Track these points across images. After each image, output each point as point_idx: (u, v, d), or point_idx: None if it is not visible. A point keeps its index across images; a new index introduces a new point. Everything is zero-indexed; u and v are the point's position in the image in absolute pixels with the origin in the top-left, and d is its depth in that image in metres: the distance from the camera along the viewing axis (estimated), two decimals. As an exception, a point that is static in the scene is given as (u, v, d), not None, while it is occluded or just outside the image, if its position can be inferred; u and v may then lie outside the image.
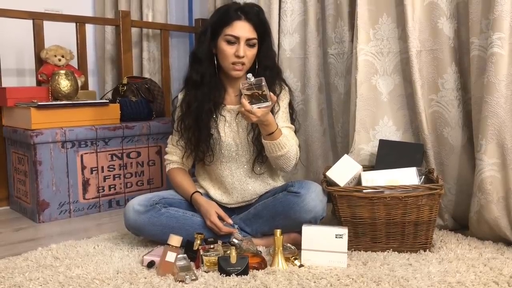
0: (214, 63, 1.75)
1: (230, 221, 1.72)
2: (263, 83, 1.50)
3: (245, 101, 1.52)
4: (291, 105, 1.84)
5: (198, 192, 1.79)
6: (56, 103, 2.26)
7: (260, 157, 1.77)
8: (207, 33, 1.73)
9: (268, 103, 1.52)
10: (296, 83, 2.34)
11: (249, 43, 1.70)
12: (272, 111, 1.68)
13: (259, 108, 1.52)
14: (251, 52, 1.72)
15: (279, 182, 1.86)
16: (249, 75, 1.52)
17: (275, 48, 2.24)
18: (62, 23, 2.65)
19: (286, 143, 1.65)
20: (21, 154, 2.27)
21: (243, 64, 1.71)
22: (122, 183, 2.42)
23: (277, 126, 1.63)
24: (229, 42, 1.69)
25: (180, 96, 1.85)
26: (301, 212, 1.63)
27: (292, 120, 1.83)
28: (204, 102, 1.75)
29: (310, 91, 2.29)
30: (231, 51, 1.69)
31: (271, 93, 1.54)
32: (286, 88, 1.84)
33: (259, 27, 1.73)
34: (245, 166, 1.79)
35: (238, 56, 1.69)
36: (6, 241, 1.91)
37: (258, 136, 1.74)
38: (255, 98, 1.52)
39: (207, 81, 1.75)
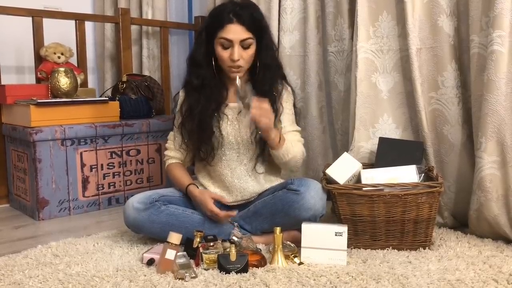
0: (212, 65, 1.74)
1: (225, 199, 1.74)
2: (247, 89, 1.54)
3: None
4: (294, 106, 1.83)
5: (194, 184, 1.79)
6: (55, 100, 2.25)
7: (262, 156, 1.77)
8: (203, 36, 1.72)
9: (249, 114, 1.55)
10: (296, 80, 2.34)
11: (243, 44, 1.67)
12: (276, 112, 1.70)
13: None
14: (247, 53, 1.69)
15: (279, 180, 1.86)
16: (237, 80, 1.55)
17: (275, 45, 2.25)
18: (62, 21, 2.64)
19: (290, 149, 1.68)
20: (20, 151, 2.27)
21: (239, 66, 1.70)
22: (122, 181, 2.42)
23: (279, 137, 1.66)
24: (223, 46, 1.67)
25: (182, 94, 1.84)
26: (300, 210, 1.63)
27: (296, 121, 1.83)
28: (207, 105, 1.74)
29: (310, 88, 2.29)
30: (226, 55, 1.67)
31: (251, 101, 1.55)
32: (289, 88, 1.83)
33: (253, 26, 1.68)
34: (246, 165, 1.79)
35: (233, 60, 1.67)
36: (6, 238, 1.91)
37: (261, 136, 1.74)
38: (245, 107, 1.57)
39: (207, 83, 1.74)
